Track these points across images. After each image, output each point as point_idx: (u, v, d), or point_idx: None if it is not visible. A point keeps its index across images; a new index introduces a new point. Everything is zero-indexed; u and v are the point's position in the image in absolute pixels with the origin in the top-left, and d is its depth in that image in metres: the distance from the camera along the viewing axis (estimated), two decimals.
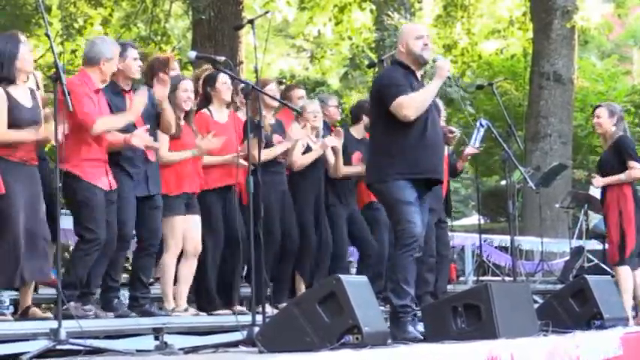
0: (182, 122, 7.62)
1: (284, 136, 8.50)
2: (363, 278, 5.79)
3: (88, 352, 5.49)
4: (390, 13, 16.01)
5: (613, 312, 7.51)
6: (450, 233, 11.09)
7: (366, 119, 8.95)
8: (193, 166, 7.63)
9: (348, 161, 9.07)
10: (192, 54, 6.83)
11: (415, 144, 6.65)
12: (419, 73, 6.89)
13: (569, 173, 16.86)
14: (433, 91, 6.76)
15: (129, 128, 6.99)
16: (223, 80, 7.93)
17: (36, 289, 7.14)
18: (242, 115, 8.11)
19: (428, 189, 6.84)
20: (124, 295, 7.38)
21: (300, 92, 9.48)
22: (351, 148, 9.15)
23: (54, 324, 5.50)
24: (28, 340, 5.66)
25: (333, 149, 8.85)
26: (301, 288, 8.63)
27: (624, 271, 8.94)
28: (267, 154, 8.09)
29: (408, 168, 6.61)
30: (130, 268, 7.99)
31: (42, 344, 5.42)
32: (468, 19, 20.95)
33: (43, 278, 6.40)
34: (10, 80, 6.22)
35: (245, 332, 5.82)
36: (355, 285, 5.42)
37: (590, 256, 13.44)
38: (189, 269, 7.60)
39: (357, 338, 5.17)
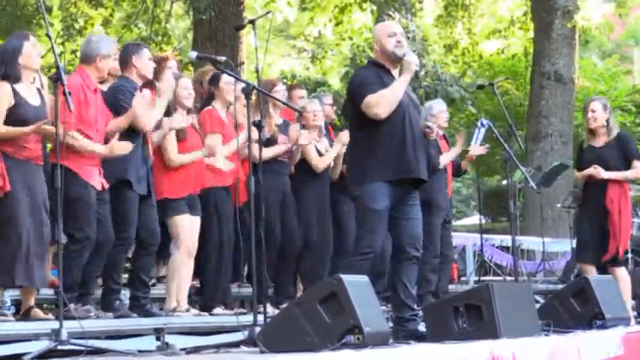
0: (191, 119, 7.64)
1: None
2: (364, 278, 5.79)
3: (89, 353, 5.49)
4: (390, 13, 16.00)
5: (614, 312, 7.51)
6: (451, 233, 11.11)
7: None
8: (197, 168, 7.65)
9: None
10: (193, 54, 6.83)
11: (393, 144, 6.58)
12: (395, 72, 6.79)
13: (570, 173, 16.82)
14: (402, 86, 6.65)
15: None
16: (226, 80, 7.95)
17: (37, 290, 7.13)
18: (240, 117, 8.15)
19: (415, 187, 6.77)
20: (125, 295, 7.38)
21: (302, 92, 9.50)
22: None
23: (55, 324, 5.50)
24: (29, 340, 5.67)
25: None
26: (301, 289, 8.64)
27: (622, 272, 8.94)
28: (265, 153, 8.11)
29: (386, 169, 6.55)
30: (130, 268, 7.98)
31: (43, 345, 5.42)
32: (469, 19, 20.96)
33: (43, 284, 6.40)
34: (16, 77, 6.22)
35: (246, 332, 5.82)
36: (356, 285, 5.42)
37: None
38: (188, 269, 7.61)
39: (358, 338, 5.16)
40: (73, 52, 16.81)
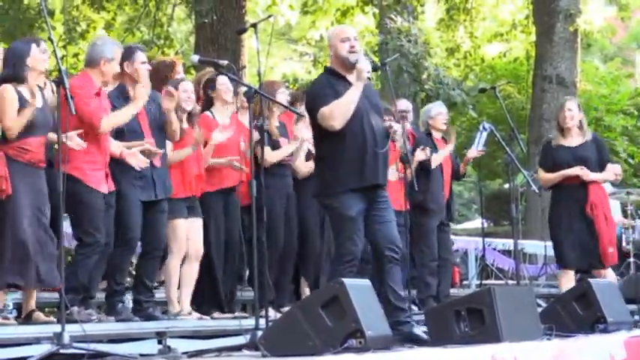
0: (185, 125, 7.63)
1: (288, 138, 8.52)
2: (366, 282, 5.79)
3: (91, 356, 5.50)
4: (392, 16, 15.99)
5: (617, 315, 7.50)
6: (452, 237, 11.09)
7: None
8: (196, 169, 7.64)
9: None
10: (195, 58, 6.83)
11: (354, 153, 6.56)
12: (351, 77, 6.69)
13: None
14: (355, 95, 6.56)
15: (136, 130, 7.02)
16: (222, 81, 7.96)
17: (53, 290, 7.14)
18: (244, 120, 8.14)
19: (380, 188, 6.73)
20: (128, 299, 7.39)
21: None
22: None
23: (57, 328, 5.50)
24: (31, 344, 5.68)
25: None
26: (306, 292, 8.63)
27: (611, 274, 8.90)
28: (276, 156, 8.13)
29: (351, 180, 6.52)
30: (133, 272, 7.99)
31: (45, 348, 5.42)
32: (471, 23, 20.96)
33: (53, 283, 6.37)
34: (21, 79, 6.25)
35: (248, 336, 5.83)
36: (358, 288, 5.42)
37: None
38: (191, 273, 7.62)
39: (360, 342, 5.17)
40: (75, 55, 16.84)
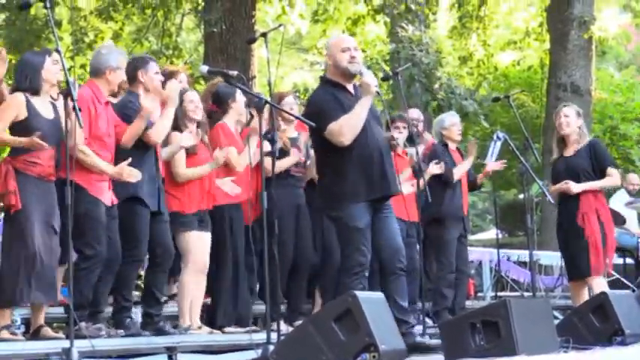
0: (198, 135, 7.64)
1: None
2: (380, 295, 5.77)
3: None
4: (404, 25, 15.98)
5: (635, 328, 7.45)
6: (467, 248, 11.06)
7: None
8: (207, 183, 7.65)
9: None
10: (204, 68, 6.84)
11: (361, 165, 6.58)
12: (349, 86, 6.75)
13: None
14: (364, 111, 6.60)
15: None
16: (240, 94, 7.99)
17: (52, 305, 7.13)
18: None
19: (386, 199, 6.76)
20: (137, 313, 7.37)
21: None
22: None
23: (66, 343, 5.50)
24: None
25: None
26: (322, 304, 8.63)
27: (602, 282, 8.77)
28: (278, 166, 8.12)
29: (358, 192, 6.55)
30: (141, 285, 7.99)
31: None
32: (484, 31, 20.93)
33: (52, 301, 6.39)
34: (35, 90, 6.28)
35: (260, 351, 5.81)
36: (372, 302, 5.41)
37: (611, 271, 13.37)
38: (199, 287, 7.61)
39: (373, 356, 5.15)
40: (82, 66, 16.87)
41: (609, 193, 12.43)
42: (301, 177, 8.57)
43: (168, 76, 7.60)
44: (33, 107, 6.28)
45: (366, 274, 6.51)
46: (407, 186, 8.68)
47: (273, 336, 5.98)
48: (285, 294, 8.28)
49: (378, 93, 6.72)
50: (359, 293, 5.32)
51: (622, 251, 12.38)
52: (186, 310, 7.51)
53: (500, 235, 14.31)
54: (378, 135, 6.74)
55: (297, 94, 19.37)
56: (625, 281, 12.67)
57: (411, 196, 8.71)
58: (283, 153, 8.26)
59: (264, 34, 7.15)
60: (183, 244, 7.44)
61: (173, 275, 8.29)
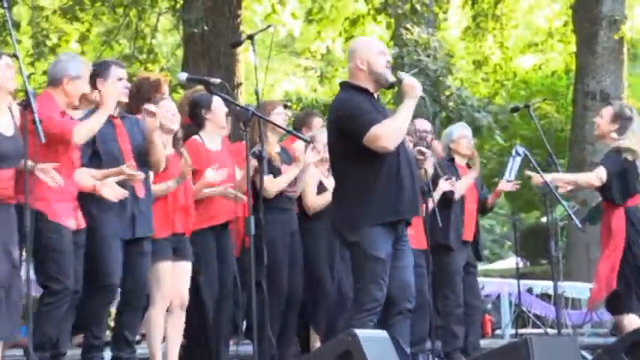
0: (169, 150, 7.61)
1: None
2: (383, 334, 5.76)
3: None
4: (409, 26, 16.02)
5: None
6: (482, 279, 11.05)
7: None
8: (183, 202, 7.61)
9: None
10: (183, 75, 6.84)
11: (388, 181, 6.56)
12: (375, 96, 6.77)
13: None
14: (409, 114, 6.61)
15: (116, 157, 6.99)
16: (219, 102, 7.96)
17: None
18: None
19: (408, 225, 6.78)
20: (107, 355, 7.34)
21: (320, 121, 9.50)
22: None
23: None
24: None
25: None
26: (316, 344, 8.60)
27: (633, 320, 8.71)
28: (277, 184, 8.13)
29: (386, 210, 6.53)
30: (112, 324, 7.95)
31: None
32: (501, 31, 20.99)
33: (10, 339, 6.35)
34: None
35: None
36: (374, 341, 5.40)
37: None
38: (177, 325, 7.57)
39: None
40: (45, 73, 16.88)
41: None
42: (293, 198, 8.56)
43: (153, 85, 7.61)
44: None
45: (379, 310, 6.50)
46: None
47: None
48: (275, 333, 8.25)
49: (423, 97, 6.75)
50: (359, 332, 5.31)
51: None
52: (158, 352, 7.45)
53: (520, 264, 14.29)
54: (408, 152, 6.80)
55: (289, 103, 19.35)
56: None
57: (419, 220, 8.70)
58: (274, 170, 8.26)
59: (251, 37, 7.16)
60: (151, 275, 7.36)
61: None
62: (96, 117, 6.76)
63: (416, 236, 8.44)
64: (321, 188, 8.73)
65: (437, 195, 9.06)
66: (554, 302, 12.50)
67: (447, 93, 15.77)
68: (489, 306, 14.46)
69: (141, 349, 8.04)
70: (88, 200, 6.83)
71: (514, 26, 21.61)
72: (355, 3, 19.56)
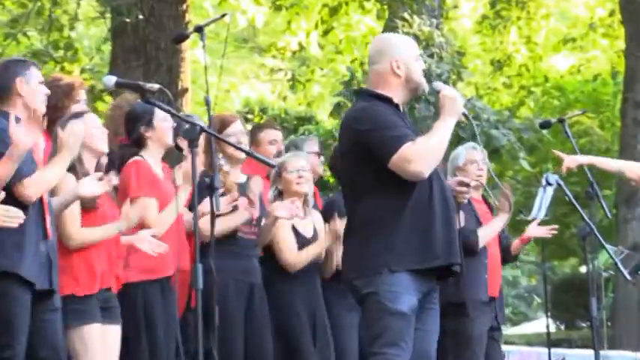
0: (108, 182, 7.63)
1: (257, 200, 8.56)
2: None
3: None
4: (407, 15, 16.07)
5: None
6: (503, 347, 11.08)
7: None
8: (113, 250, 7.63)
9: None
10: (111, 80, 6.84)
11: (421, 216, 6.62)
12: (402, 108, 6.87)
13: None
14: (448, 134, 6.65)
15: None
16: (163, 116, 7.99)
17: None
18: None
19: (439, 278, 6.83)
20: None
21: (275, 134, 9.53)
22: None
23: None
24: None
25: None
26: None
27: None
28: (219, 226, 8.12)
29: (413, 253, 6.56)
30: None
31: None
32: (528, 22, 21.12)
33: None
34: None
35: None
36: None
37: None
38: None
39: None
40: None
41: None
42: (254, 242, 8.59)
43: (64, 91, 7.61)
44: None
45: None
46: None
47: None
48: None
49: (465, 115, 6.83)
50: None
51: None
52: None
53: (552, 327, 14.33)
54: (444, 181, 6.85)
55: (251, 115, 19.46)
56: None
57: None
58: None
59: (200, 29, 7.19)
60: (76, 341, 7.38)
61: None
62: (57, 163, 6.93)
63: None
64: (297, 235, 8.78)
65: None
66: None
67: None
68: None
69: None
70: None
71: (545, 16, 21.73)
72: None
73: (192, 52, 16.10)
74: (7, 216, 6.65)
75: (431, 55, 15.62)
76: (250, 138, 9.19)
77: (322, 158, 10.12)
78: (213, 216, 6.67)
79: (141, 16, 15.34)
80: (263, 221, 8.64)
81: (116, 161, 8.00)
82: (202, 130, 6.61)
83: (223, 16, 8.70)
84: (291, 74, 22.86)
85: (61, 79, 8.00)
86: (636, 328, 16.04)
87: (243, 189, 8.57)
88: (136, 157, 8.06)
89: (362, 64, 19.08)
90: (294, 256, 8.77)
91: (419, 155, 6.52)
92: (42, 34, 18.48)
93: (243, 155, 8.36)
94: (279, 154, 9.35)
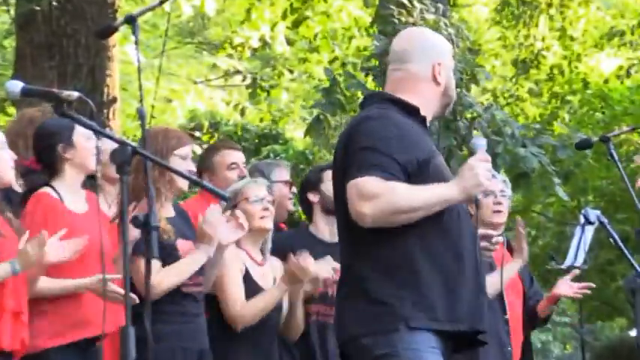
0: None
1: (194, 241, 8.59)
2: None
3: None
4: (405, 1, 16.13)
5: None
6: None
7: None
8: (13, 304, 7.65)
9: None
10: (16, 86, 6.86)
11: (445, 266, 6.69)
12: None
13: None
14: (436, 205, 6.65)
15: None
16: (84, 133, 8.03)
17: None
18: (107, 204, 8.21)
19: (461, 347, 6.93)
20: None
21: (235, 156, 9.58)
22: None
23: None
24: None
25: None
26: None
27: None
28: (159, 282, 8.15)
29: (435, 310, 6.65)
30: None
31: None
32: (562, 11, 21.24)
33: None
34: None
35: None
36: None
37: None
38: None
39: None
40: None
41: None
42: (200, 296, 8.62)
43: None
44: None
45: None
46: None
47: None
48: None
49: (476, 203, 7.02)
50: None
51: None
52: None
53: None
54: (471, 235, 6.93)
55: (199, 133, 19.58)
56: None
57: None
58: (165, 251, 8.30)
59: (132, 18, 7.21)
60: None
61: None
62: None
63: None
64: (250, 285, 8.81)
65: None
66: None
67: (469, 115, 15.82)
68: None
69: None
70: None
71: (584, 2, 21.83)
72: None
73: (122, 49, 16.12)
74: None
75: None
76: (201, 162, 9.22)
77: (294, 189, 10.17)
78: (149, 265, 6.71)
79: (55, 3, 15.38)
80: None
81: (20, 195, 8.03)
82: (135, 151, 6.64)
83: (163, 2, 8.74)
84: (251, 78, 22.93)
85: None
86: None
87: (177, 228, 8.57)
88: (43, 189, 8.09)
89: (344, 64, 19.15)
90: (238, 308, 8.78)
91: (377, 198, 6.56)
92: None
93: (185, 185, 8.40)
94: None
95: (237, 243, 8.73)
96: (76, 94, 6.81)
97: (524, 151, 15.25)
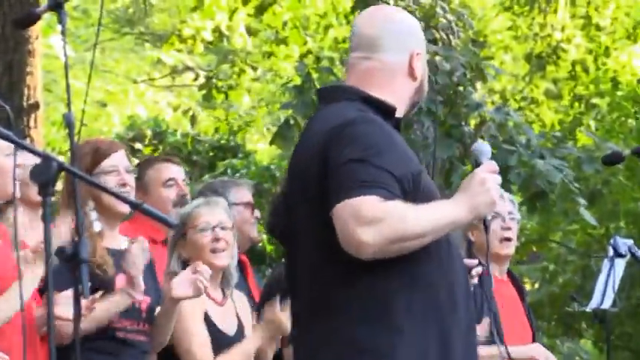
0: None
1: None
2: None
3: None
4: None
5: None
6: None
7: None
8: None
9: None
10: None
11: (436, 311, 6.73)
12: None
13: None
14: (444, 228, 6.67)
15: None
16: (2, 146, 8.08)
17: None
18: (32, 234, 8.25)
19: None
20: None
21: (173, 170, 9.62)
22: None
23: None
24: None
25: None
26: None
27: None
28: (89, 322, 8.18)
29: (424, 353, 6.67)
30: None
31: None
32: (588, 2, 21.39)
33: None
34: None
35: None
36: None
37: None
38: None
39: None
40: None
41: None
42: (145, 344, 8.65)
43: None
44: None
45: None
46: None
47: None
48: None
49: (485, 225, 7.21)
50: None
51: None
52: None
53: None
54: (461, 263, 6.98)
55: (141, 144, 19.74)
56: None
57: None
58: (101, 285, 8.33)
59: (56, 5, 7.25)
60: None
61: None
62: None
63: None
64: (209, 329, 8.86)
65: None
66: None
67: (475, 120, 15.87)
68: None
69: None
70: None
71: None
72: None
73: (47, 41, 16.17)
74: None
75: (433, 41, 15.59)
76: (138, 176, 9.26)
77: (257, 212, 10.19)
78: (79, 306, 6.74)
79: None
80: (158, 310, 8.70)
81: None
82: (62, 168, 6.66)
83: None
84: (204, 77, 22.98)
85: None
86: None
87: (119, 259, 8.60)
88: None
89: (318, 59, 19.21)
90: (201, 355, 8.81)
91: (380, 223, 6.50)
92: None
93: (126, 207, 8.44)
94: (180, 203, 9.40)
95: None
96: None
97: (544, 163, 14.95)
